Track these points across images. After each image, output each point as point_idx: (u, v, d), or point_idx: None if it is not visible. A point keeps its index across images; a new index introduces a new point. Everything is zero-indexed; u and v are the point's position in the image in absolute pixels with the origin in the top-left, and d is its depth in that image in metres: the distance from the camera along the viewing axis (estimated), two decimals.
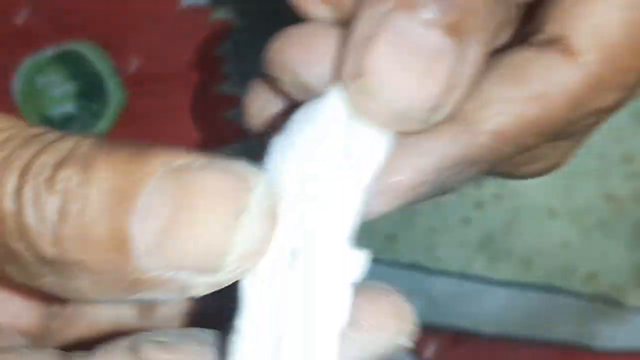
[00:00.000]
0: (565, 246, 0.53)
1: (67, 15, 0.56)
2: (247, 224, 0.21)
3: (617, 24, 0.26)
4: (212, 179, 0.21)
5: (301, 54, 0.27)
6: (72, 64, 0.56)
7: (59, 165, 0.21)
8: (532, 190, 0.52)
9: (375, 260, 0.51)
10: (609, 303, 0.52)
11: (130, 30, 0.56)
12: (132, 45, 0.56)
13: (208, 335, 0.23)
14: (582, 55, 0.26)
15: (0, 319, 0.29)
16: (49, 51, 0.56)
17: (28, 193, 0.21)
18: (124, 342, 0.23)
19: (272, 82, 0.29)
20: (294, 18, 0.29)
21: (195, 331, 0.23)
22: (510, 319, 0.52)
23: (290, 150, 0.24)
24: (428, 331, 0.52)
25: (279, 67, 0.28)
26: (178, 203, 0.21)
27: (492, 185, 0.53)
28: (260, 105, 0.30)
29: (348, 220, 0.23)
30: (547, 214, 0.53)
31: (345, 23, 0.26)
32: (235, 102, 0.54)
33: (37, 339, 0.29)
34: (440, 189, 0.28)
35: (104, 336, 0.25)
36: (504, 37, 0.27)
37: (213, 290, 0.22)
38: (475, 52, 0.24)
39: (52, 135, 0.22)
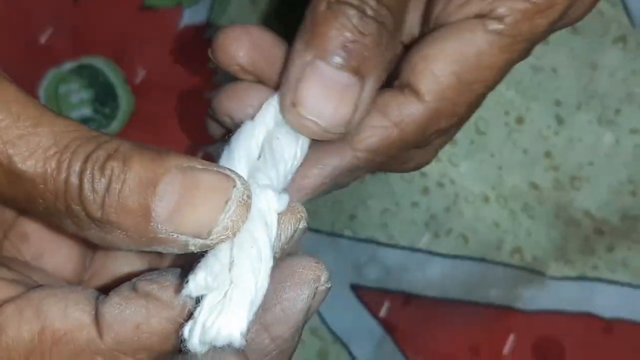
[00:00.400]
0: (496, 225, 0.57)
1: (84, 35, 0.61)
2: (229, 209, 0.29)
3: (447, 75, 0.35)
4: (208, 178, 0.30)
5: (233, 103, 0.36)
6: (88, 75, 0.60)
7: (108, 158, 0.29)
8: (468, 179, 0.57)
9: (339, 235, 0.60)
10: (532, 272, 0.57)
11: (137, 46, 0.61)
12: (139, 59, 0.60)
13: (179, 270, 0.31)
14: (424, 96, 0.35)
15: (50, 268, 0.37)
16: (69, 65, 0.60)
17: (87, 174, 0.29)
18: (127, 283, 0.31)
19: (218, 120, 0.38)
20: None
21: (173, 269, 0.31)
22: (450, 284, 0.56)
23: (232, 154, 0.34)
24: (382, 294, 0.56)
25: (220, 112, 0.37)
26: (184, 192, 0.29)
27: (435, 176, 0.57)
28: (214, 129, 0.39)
29: (278, 183, 0.33)
30: (481, 199, 0.57)
31: (262, 81, 0.36)
32: None
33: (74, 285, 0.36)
34: (336, 186, 0.37)
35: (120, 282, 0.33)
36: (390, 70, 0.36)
37: (204, 249, 0.30)
38: (371, 85, 0.34)
39: (104, 137, 0.30)
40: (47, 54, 0.61)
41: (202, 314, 0.29)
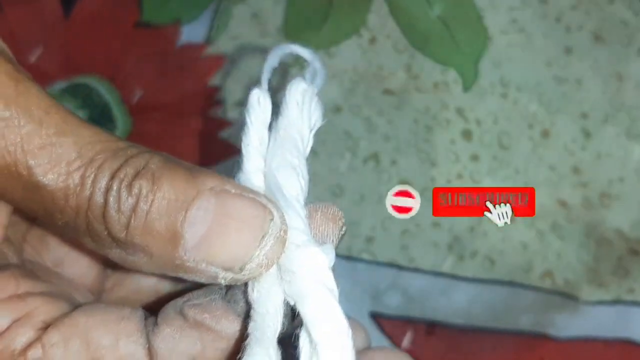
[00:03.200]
0: (524, 247, 0.54)
1: (76, 53, 0.59)
2: (265, 244, 0.27)
3: None
4: (244, 206, 0.27)
5: None
6: (82, 95, 0.58)
7: (136, 175, 0.27)
8: None
9: (357, 259, 0.57)
10: (564, 297, 0.53)
11: (133, 65, 0.59)
12: (136, 79, 0.58)
13: (223, 290, 0.29)
14: None
15: (72, 276, 0.34)
16: (61, 84, 0.58)
17: (113, 192, 0.27)
18: (172, 308, 0.28)
19: None
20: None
21: (217, 289, 0.29)
22: (477, 311, 0.53)
23: None
24: (404, 323, 0.53)
25: None
26: (218, 219, 0.27)
27: None
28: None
29: None
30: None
31: None
32: (229, 124, 0.56)
33: (95, 294, 0.35)
34: None
35: (145, 298, 0.32)
36: None
37: (234, 283, 0.28)
38: None
39: (133, 150, 0.28)
40: (37, 74, 0.56)
41: None
